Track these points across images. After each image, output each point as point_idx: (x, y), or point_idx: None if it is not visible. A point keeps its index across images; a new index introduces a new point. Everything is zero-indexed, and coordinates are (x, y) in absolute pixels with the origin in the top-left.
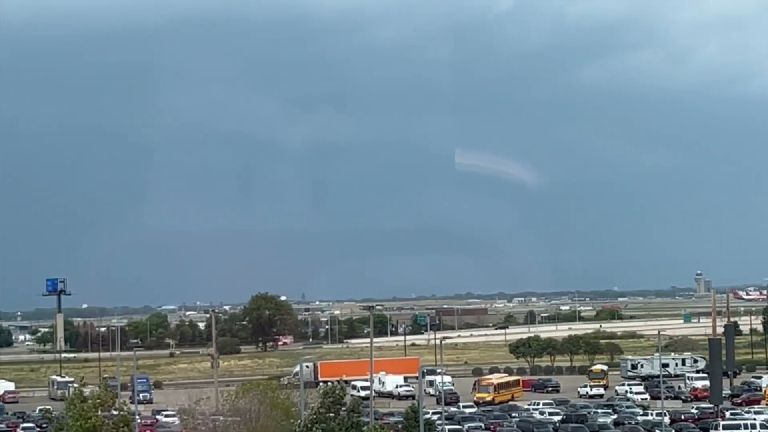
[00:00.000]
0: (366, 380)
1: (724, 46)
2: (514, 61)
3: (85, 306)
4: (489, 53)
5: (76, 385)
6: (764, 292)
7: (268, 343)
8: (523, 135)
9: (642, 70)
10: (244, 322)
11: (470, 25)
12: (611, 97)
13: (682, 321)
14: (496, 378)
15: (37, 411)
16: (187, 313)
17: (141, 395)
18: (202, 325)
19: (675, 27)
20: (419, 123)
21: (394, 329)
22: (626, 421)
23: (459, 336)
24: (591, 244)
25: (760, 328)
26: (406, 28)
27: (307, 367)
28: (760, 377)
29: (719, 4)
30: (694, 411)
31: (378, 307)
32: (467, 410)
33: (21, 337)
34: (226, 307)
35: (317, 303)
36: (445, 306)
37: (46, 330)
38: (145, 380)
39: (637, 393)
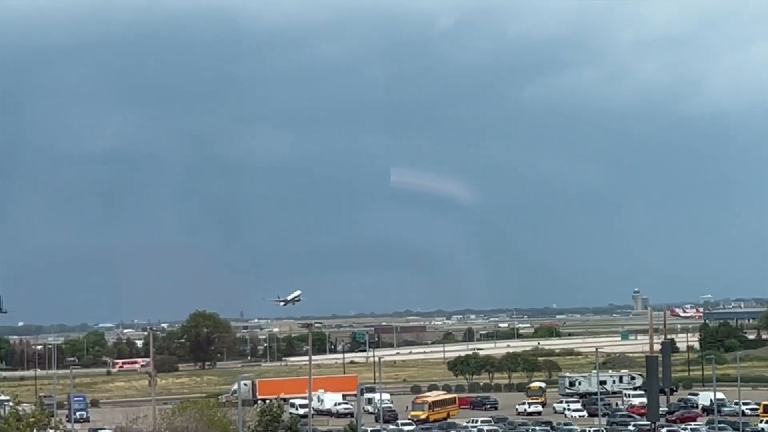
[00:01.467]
0: (304, 398)
1: (662, 66)
2: (454, 78)
3: (21, 324)
4: (430, 71)
5: (11, 403)
6: (700, 309)
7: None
8: (463, 153)
9: (581, 88)
10: (182, 340)
11: (411, 42)
12: (550, 115)
13: (619, 338)
14: (431, 396)
15: None
16: (125, 330)
17: (78, 413)
18: (139, 343)
19: (614, 46)
20: (358, 140)
21: (333, 347)
22: None
23: (398, 353)
24: (529, 261)
25: (696, 345)
26: (346, 45)
27: (245, 385)
28: (696, 394)
29: (658, 24)
30: (631, 428)
31: (317, 325)
32: (406, 428)
33: None
34: (164, 325)
35: (256, 320)
36: (383, 323)
37: None
38: (81, 398)
39: (575, 410)
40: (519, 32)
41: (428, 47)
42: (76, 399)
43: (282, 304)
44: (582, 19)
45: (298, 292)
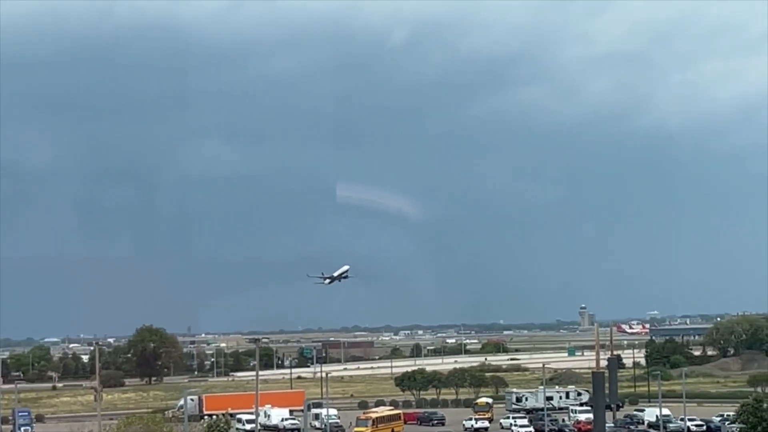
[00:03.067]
0: (252, 413)
1: (612, 82)
2: (407, 93)
3: None
4: (381, 85)
5: None
6: (647, 325)
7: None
8: (413, 167)
9: (533, 104)
10: (129, 355)
11: (365, 57)
12: (501, 130)
13: (566, 354)
14: (376, 412)
15: None
16: (71, 345)
17: (23, 429)
18: (85, 358)
19: (565, 63)
20: (307, 154)
21: (280, 362)
22: None
23: (345, 369)
24: (477, 277)
25: (642, 361)
26: (298, 59)
27: (191, 400)
28: (642, 410)
29: (608, 41)
30: None
31: (264, 340)
32: None
33: None
34: (111, 340)
35: (203, 335)
36: (331, 339)
37: None
38: (26, 413)
39: (521, 426)
40: (471, 48)
41: (380, 62)
42: (21, 414)
43: (327, 281)
44: (534, 36)
45: (345, 267)
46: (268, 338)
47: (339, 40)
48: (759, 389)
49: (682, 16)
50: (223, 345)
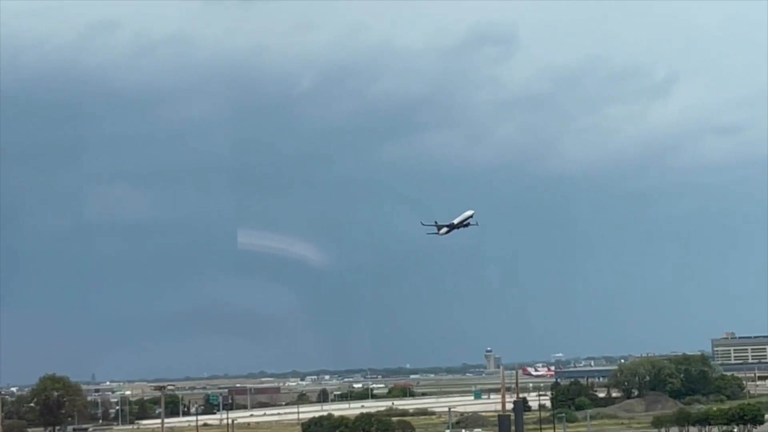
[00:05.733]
0: None
1: (519, 127)
2: (316, 138)
3: None
4: (289, 131)
5: None
6: (552, 368)
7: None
8: (322, 213)
9: (441, 148)
10: (32, 404)
11: (273, 103)
12: (409, 174)
13: (472, 397)
14: None
15: None
16: None
17: None
18: None
19: (473, 107)
20: (213, 201)
21: (186, 409)
22: None
23: (252, 415)
24: (384, 321)
25: (548, 403)
26: (208, 105)
27: None
28: None
29: (515, 85)
30: None
31: (170, 387)
32: None
33: None
34: (14, 389)
35: (108, 383)
36: (237, 385)
37: None
38: None
39: None
40: (380, 93)
41: (289, 107)
42: None
43: (444, 230)
44: (443, 81)
45: (469, 212)
46: (173, 385)
47: (247, 86)
48: (663, 430)
49: (587, 62)
50: (128, 392)
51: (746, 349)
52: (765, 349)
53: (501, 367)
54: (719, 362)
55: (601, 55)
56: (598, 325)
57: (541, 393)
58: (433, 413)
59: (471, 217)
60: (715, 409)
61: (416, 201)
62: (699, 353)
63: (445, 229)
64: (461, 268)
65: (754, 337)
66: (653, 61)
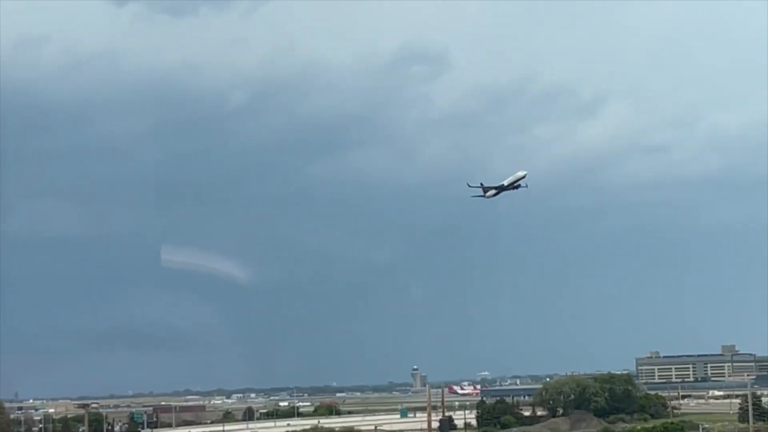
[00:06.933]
0: None
1: (449, 145)
2: (246, 155)
3: None
4: (220, 147)
5: None
6: (478, 386)
7: None
8: (251, 229)
9: (371, 166)
10: None
11: (204, 118)
12: (338, 192)
13: (398, 416)
14: None
15: None
16: None
17: None
18: None
19: (403, 125)
20: (143, 217)
21: (110, 427)
22: None
23: None
24: (311, 339)
25: (474, 422)
26: (138, 121)
27: None
28: None
29: (445, 104)
30: None
31: (94, 405)
32: None
33: None
34: None
35: (31, 401)
36: (162, 403)
37: None
38: None
39: None
40: (311, 110)
41: (219, 123)
42: None
43: (492, 192)
44: (373, 99)
45: (521, 173)
46: (97, 403)
47: (178, 101)
48: None
49: (516, 81)
50: (51, 410)
51: (670, 368)
52: (688, 368)
53: (427, 385)
54: (643, 381)
55: (530, 75)
56: (523, 344)
57: (467, 411)
58: (359, 431)
59: (523, 178)
60: (639, 428)
61: (345, 218)
62: (624, 372)
63: (492, 192)
64: (390, 285)
65: (678, 356)
66: (581, 81)
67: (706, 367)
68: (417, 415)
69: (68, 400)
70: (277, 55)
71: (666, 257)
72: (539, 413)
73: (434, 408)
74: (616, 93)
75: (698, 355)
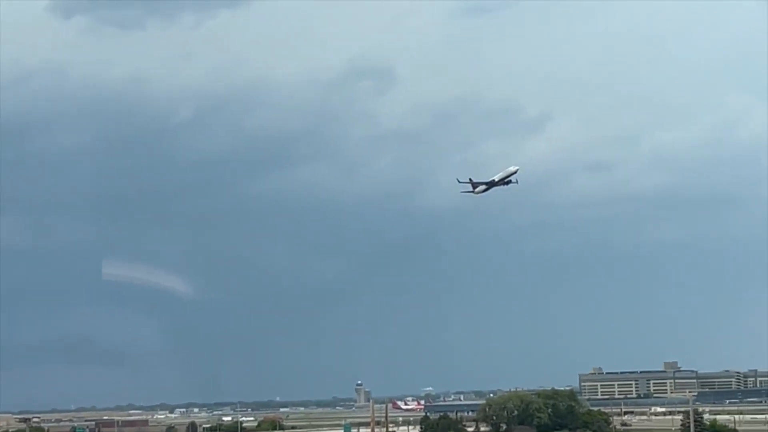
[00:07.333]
0: None
1: (395, 161)
2: (191, 170)
3: None
4: (165, 161)
5: None
6: (422, 402)
7: None
8: (195, 244)
9: (316, 181)
10: None
11: (149, 132)
12: (284, 208)
13: (342, 431)
14: None
15: None
16: None
17: None
18: None
19: (350, 141)
20: (85, 230)
21: None
22: None
23: None
24: (254, 354)
25: None
26: (83, 133)
27: None
28: None
29: (392, 120)
30: None
31: (35, 420)
32: None
33: None
34: None
35: None
36: (105, 417)
37: None
38: None
39: None
40: (257, 125)
41: (165, 137)
42: None
43: (481, 188)
44: (320, 114)
45: (513, 168)
46: (39, 417)
47: (123, 115)
48: None
49: (463, 98)
50: None
51: (613, 385)
52: (631, 384)
53: (371, 400)
54: (586, 397)
55: (477, 92)
56: (467, 360)
57: (410, 427)
58: None
59: (515, 173)
60: None
61: (290, 233)
62: (567, 388)
63: (482, 187)
64: (334, 300)
65: (621, 372)
66: (528, 98)
67: (649, 383)
68: (361, 430)
69: (9, 414)
70: (225, 69)
71: (609, 274)
72: (483, 429)
73: (378, 423)
74: (562, 110)
75: (641, 372)
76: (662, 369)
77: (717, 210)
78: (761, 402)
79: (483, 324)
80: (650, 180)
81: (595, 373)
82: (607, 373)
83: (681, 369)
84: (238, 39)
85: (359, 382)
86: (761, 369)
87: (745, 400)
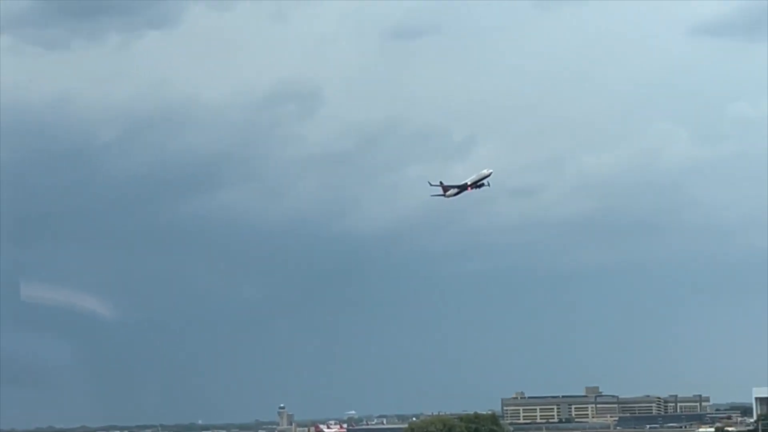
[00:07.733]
0: None
1: (320, 184)
2: (115, 190)
3: None
4: (88, 181)
5: None
6: (344, 425)
7: None
8: (118, 266)
9: (241, 204)
10: None
11: (73, 152)
12: (207, 230)
13: None
14: None
15: None
16: None
17: None
18: None
19: (275, 163)
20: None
21: None
22: None
23: None
24: (176, 376)
25: None
26: (4, 153)
27: None
28: None
29: (317, 143)
30: None
31: None
32: None
33: None
34: None
35: None
36: None
37: None
38: None
39: None
40: (182, 146)
41: (89, 158)
42: None
43: (453, 192)
44: (246, 136)
45: (487, 171)
46: None
47: (47, 135)
48: None
49: (388, 122)
50: None
51: (535, 409)
52: (553, 409)
53: (294, 424)
54: (509, 421)
55: (402, 115)
56: (391, 383)
57: None
58: None
59: (488, 176)
60: None
61: (213, 255)
62: (489, 412)
63: (454, 191)
64: (257, 322)
65: (543, 397)
66: (453, 123)
67: (570, 408)
68: None
69: None
70: (151, 90)
71: (532, 298)
72: None
73: None
74: (487, 135)
75: (563, 396)
76: (584, 393)
77: (639, 236)
78: (681, 427)
79: (405, 347)
80: (573, 205)
81: (517, 398)
82: (529, 397)
83: (602, 394)
84: (165, 60)
85: (282, 405)
86: (681, 394)
87: (665, 425)
